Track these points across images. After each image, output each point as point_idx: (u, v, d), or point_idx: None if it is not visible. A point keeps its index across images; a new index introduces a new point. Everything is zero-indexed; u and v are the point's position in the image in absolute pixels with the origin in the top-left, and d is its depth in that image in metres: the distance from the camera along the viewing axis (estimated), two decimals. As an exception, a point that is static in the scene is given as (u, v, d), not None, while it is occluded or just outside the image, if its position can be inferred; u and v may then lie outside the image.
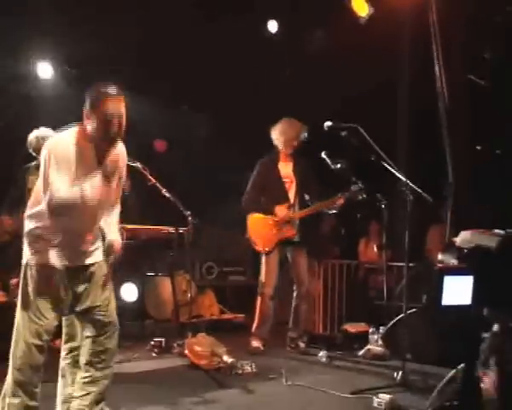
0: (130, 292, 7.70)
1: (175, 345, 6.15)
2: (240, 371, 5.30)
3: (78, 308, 3.60)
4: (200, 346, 5.54)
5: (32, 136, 5.85)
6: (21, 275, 3.48)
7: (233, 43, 7.90)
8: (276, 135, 6.45)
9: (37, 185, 3.52)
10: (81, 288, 3.58)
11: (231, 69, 8.21)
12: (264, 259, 6.42)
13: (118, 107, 3.44)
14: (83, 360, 3.63)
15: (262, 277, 6.43)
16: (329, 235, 8.61)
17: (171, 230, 6.66)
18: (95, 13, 7.01)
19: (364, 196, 5.99)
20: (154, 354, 6.14)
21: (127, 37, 7.45)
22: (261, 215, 6.41)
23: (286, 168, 6.48)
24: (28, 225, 3.52)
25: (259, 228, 6.42)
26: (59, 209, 3.37)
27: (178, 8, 7.46)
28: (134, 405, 4.31)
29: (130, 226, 6.28)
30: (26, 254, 3.50)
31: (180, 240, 6.74)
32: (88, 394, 3.58)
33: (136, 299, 7.73)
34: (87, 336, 3.62)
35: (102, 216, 3.67)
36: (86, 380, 3.59)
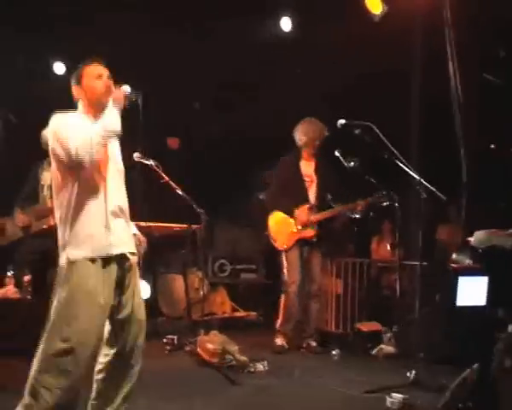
0: (142, 289, 7.69)
1: (187, 343, 6.16)
2: (252, 370, 5.30)
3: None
4: (212, 344, 5.54)
5: (46, 131, 5.87)
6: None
7: (244, 41, 7.90)
8: (299, 135, 6.46)
9: (53, 169, 3.47)
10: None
11: (242, 67, 8.20)
12: (284, 257, 6.42)
13: (98, 68, 3.54)
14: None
15: (285, 275, 6.41)
16: (342, 232, 8.58)
17: (184, 227, 6.67)
18: (108, 12, 7.03)
19: (388, 202, 5.98)
20: (166, 352, 6.15)
21: (139, 35, 7.47)
22: (283, 214, 6.42)
23: (308, 168, 6.49)
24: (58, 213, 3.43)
25: (280, 226, 6.43)
26: (84, 172, 3.34)
27: (190, 5, 7.46)
28: (145, 402, 4.31)
29: (143, 224, 6.30)
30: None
31: (193, 238, 6.77)
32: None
33: (148, 296, 7.74)
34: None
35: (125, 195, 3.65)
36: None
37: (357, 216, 6.35)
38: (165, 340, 6.28)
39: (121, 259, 3.47)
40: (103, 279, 3.36)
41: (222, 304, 8.14)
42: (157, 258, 7.64)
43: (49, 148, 3.44)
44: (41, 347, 3.26)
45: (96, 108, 3.51)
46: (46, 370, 3.21)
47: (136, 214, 6.44)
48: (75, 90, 3.56)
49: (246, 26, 7.61)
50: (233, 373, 5.17)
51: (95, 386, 3.54)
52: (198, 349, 5.72)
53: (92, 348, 3.33)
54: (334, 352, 5.98)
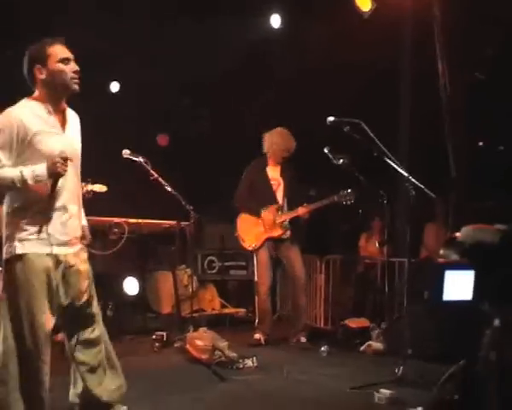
0: (131, 286, 7.72)
1: (176, 339, 6.17)
2: (241, 366, 5.32)
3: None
4: (201, 340, 5.55)
5: None
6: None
7: (234, 38, 7.91)
8: (267, 144, 6.65)
9: None
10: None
11: (234, 64, 8.20)
12: (255, 257, 6.59)
13: (64, 50, 3.38)
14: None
15: (256, 275, 6.58)
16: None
17: (173, 224, 6.67)
18: (98, 10, 7.02)
19: (352, 201, 6.16)
20: (155, 348, 6.16)
21: (134, 32, 7.47)
22: (250, 215, 6.59)
23: (274, 172, 6.68)
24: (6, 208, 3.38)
25: (248, 226, 6.60)
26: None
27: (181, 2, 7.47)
28: (134, 398, 4.29)
29: (132, 221, 6.30)
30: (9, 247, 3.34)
31: (182, 234, 6.76)
32: None
33: (137, 293, 7.75)
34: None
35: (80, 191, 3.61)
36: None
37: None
38: (154, 337, 6.28)
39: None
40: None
41: (211, 301, 8.14)
42: (146, 255, 7.63)
43: None
44: None
45: (59, 94, 3.40)
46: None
47: (125, 211, 6.48)
48: (37, 70, 3.34)
49: (235, 24, 7.63)
50: (222, 370, 5.19)
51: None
52: (187, 346, 5.72)
53: None
54: (322, 348, 6.00)
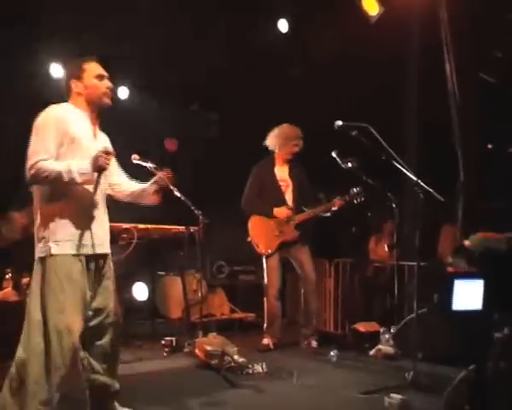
0: (141, 291, 7.74)
1: (186, 344, 6.17)
2: (250, 371, 5.31)
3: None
4: (210, 345, 5.54)
5: None
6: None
7: (242, 42, 7.92)
8: (275, 139, 6.55)
9: None
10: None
11: (240, 69, 8.21)
12: (264, 261, 6.53)
13: (99, 67, 3.64)
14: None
15: (265, 279, 6.54)
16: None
17: (183, 229, 6.67)
18: (104, 13, 7.02)
19: (363, 199, 6.16)
20: (164, 354, 6.16)
21: (137, 36, 7.46)
22: (262, 217, 6.50)
23: (282, 172, 6.61)
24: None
25: (261, 230, 6.51)
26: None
27: (188, 7, 7.46)
28: (144, 404, 4.32)
29: (141, 226, 6.30)
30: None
31: (191, 239, 6.76)
32: None
33: (147, 298, 7.76)
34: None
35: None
36: None
37: (329, 214, 6.42)
38: (163, 342, 6.29)
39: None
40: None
41: (220, 306, 8.14)
42: (155, 260, 7.64)
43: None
44: None
45: (93, 107, 3.60)
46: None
47: (134, 216, 6.48)
48: (73, 84, 3.59)
49: (242, 27, 7.64)
50: (232, 375, 5.18)
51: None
52: (196, 351, 5.72)
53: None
54: (332, 353, 5.98)
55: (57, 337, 3.31)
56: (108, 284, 3.69)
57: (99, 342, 3.64)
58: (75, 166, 3.35)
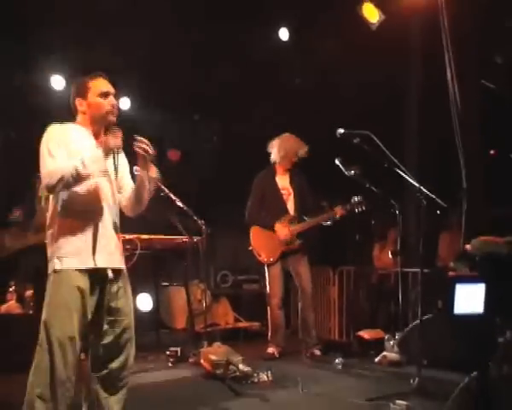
0: (145, 302, 7.74)
1: (190, 354, 6.17)
2: (256, 380, 5.30)
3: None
4: (215, 355, 5.53)
5: None
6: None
7: (243, 52, 7.94)
8: (277, 149, 6.58)
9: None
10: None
11: (242, 77, 8.23)
12: (266, 270, 6.53)
13: (105, 84, 3.58)
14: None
15: (267, 288, 6.54)
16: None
17: (186, 239, 6.68)
18: (105, 26, 7.06)
19: (364, 208, 6.15)
20: (169, 364, 6.16)
21: (138, 48, 7.50)
22: (264, 228, 6.53)
23: (283, 181, 6.64)
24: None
25: (262, 239, 6.53)
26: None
27: (190, 18, 7.50)
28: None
29: (144, 237, 6.31)
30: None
31: (194, 249, 6.76)
32: None
33: (151, 309, 7.76)
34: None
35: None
36: None
37: (329, 223, 6.43)
38: (168, 352, 6.29)
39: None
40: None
41: (225, 315, 8.14)
42: (159, 270, 7.64)
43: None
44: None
45: (98, 126, 3.56)
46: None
47: (137, 227, 6.48)
48: (78, 102, 3.57)
49: (244, 37, 7.67)
50: (237, 384, 5.17)
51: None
52: (201, 361, 5.71)
53: None
54: (337, 360, 5.97)
55: (60, 351, 3.29)
56: (122, 301, 3.58)
57: (111, 365, 3.57)
58: (87, 156, 3.33)
